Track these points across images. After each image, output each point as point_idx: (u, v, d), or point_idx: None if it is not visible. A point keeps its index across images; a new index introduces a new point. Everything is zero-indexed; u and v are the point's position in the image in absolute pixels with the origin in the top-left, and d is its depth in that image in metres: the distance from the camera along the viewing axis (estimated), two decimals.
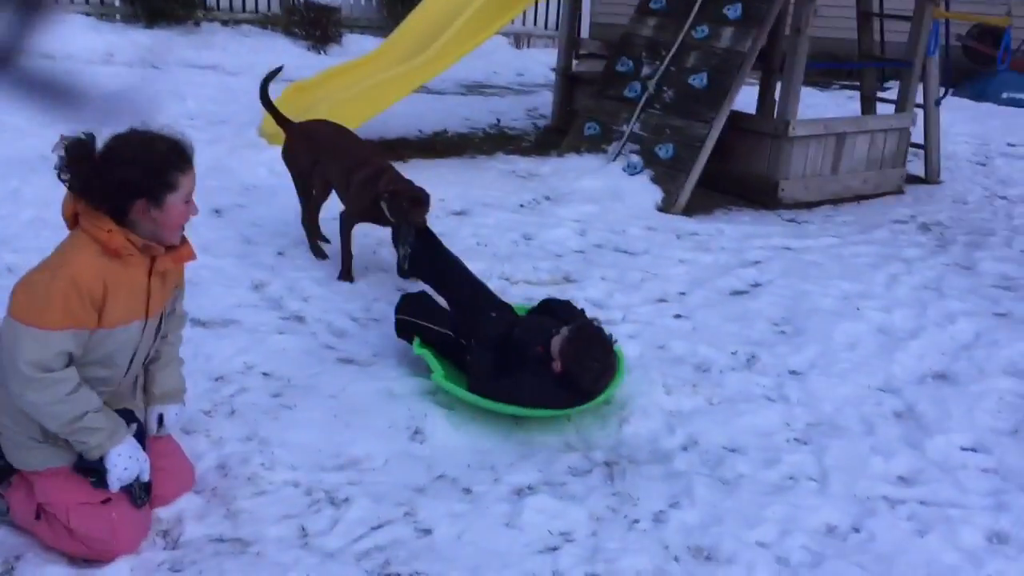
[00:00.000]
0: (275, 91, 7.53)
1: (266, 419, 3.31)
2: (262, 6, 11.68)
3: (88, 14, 10.43)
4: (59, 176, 2.46)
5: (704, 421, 3.55)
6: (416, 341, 3.71)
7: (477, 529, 2.83)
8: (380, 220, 4.50)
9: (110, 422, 2.53)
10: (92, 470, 2.53)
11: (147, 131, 2.50)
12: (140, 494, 2.62)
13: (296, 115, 6.33)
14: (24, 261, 4.35)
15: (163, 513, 2.76)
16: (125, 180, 2.43)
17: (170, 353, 2.90)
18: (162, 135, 2.52)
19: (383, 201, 4.38)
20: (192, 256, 2.73)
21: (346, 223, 4.61)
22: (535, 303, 4.07)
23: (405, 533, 2.79)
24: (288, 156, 4.91)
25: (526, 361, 3.53)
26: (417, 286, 4.28)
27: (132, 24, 10.44)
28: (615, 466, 3.23)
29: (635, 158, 6.56)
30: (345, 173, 4.62)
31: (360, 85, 6.78)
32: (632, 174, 6.47)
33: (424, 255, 4.33)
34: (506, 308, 3.97)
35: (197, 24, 10.81)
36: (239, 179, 5.92)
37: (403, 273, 4.49)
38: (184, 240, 2.69)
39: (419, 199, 4.34)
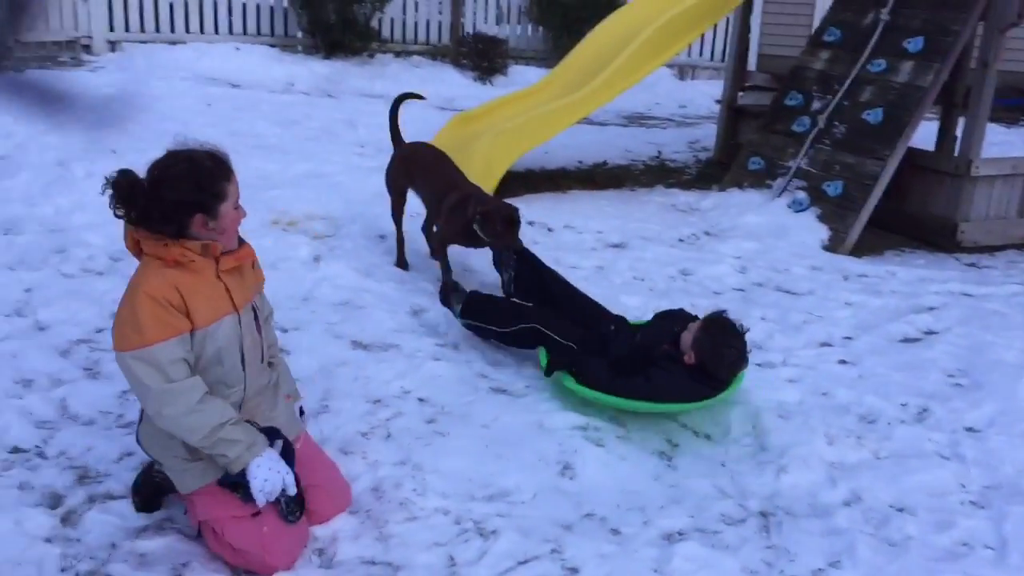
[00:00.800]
0: (441, 120, 7.78)
1: (420, 445, 3.36)
2: (433, 37, 12.08)
3: (273, 45, 11.06)
4: (115, 213, 2.55)
5: (869, 476, 3.36)
6: (542, 350, 3.88)
7: (625, 573, 2.77)
8: (475, 243, 4.56)
9: (248, 435, 2.60)
10: (237, 484, 2.61)
11: (185, 149, 2.60)
12: (290, 509, 2.68)
13: (460, 144, 6.49)
14: None
15: (319, 531, 2.84)
16: (180, 201, 2.53)
17: (283, 359, 3.05)
18: (200, 150, 2.61)
19: (476, 224, 4.40)
20: (252, 255, 2.83)
21: (438, 247, 4.77)
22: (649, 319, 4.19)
23: (552, 570, 2.76)
24: (387, 175, 5.14)
25: (654, 361, 3.64)
26: None
27: (312, 55, 10.99)
28: (771, 517, 3.10)
29: (801, 195, 6.35)
30: (437, 198, 4.74)
31: (523, 116, 6.87)
32: (797, 211, 6.26)
33: (530, 276, 4.37)
34: (622, 320, 4.10)
35: (371, 55, 11.27)
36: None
37: (511, 296, 4.47)
38: (242, 241, 2.79)
39: (512, 218, 4.35)
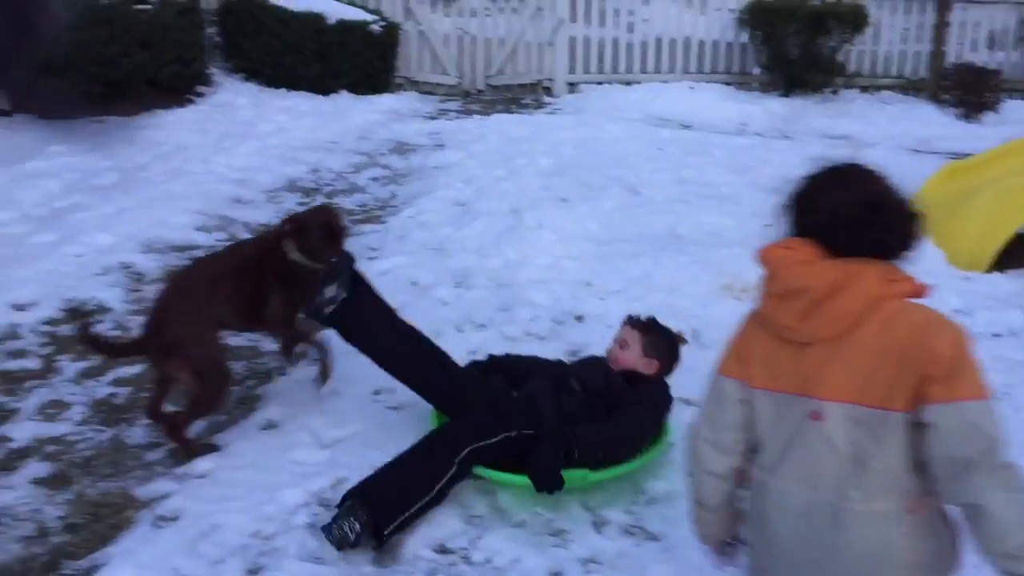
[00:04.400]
0: (915, 164, 6.65)
1: None
2: (908, 69, 10.76)
3: (728, 83, 10.55)
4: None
5: None
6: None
7: None
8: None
9: None
10: None
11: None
12: None
13: (951, 200, 5.43)
14: None
15: None
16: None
17: None
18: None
19: (285, 244, 3.43)
20: None
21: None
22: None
23: None
24: None
25: (616, 401, 3.25)
26: None
27: (768, 93, 10.29)
28: None
29: None
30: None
31: None
32: None
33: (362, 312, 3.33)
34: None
35: (835, 91, 10.29)
36: None
37: (323, 320, 3.30)
38: None
39: (331, 225, 3.42)
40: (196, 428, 3.49)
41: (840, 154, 2.20)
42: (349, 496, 2.89)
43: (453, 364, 3.38)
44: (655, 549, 2.95)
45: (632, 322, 3.53)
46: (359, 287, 3.32)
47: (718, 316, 4.51)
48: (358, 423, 3.54)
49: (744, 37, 10.54)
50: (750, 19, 10.26)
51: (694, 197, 6.49)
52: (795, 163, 7.47)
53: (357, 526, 2.79)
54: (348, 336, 3.34)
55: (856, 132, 9.12)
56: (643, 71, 10.75)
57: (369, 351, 3.34)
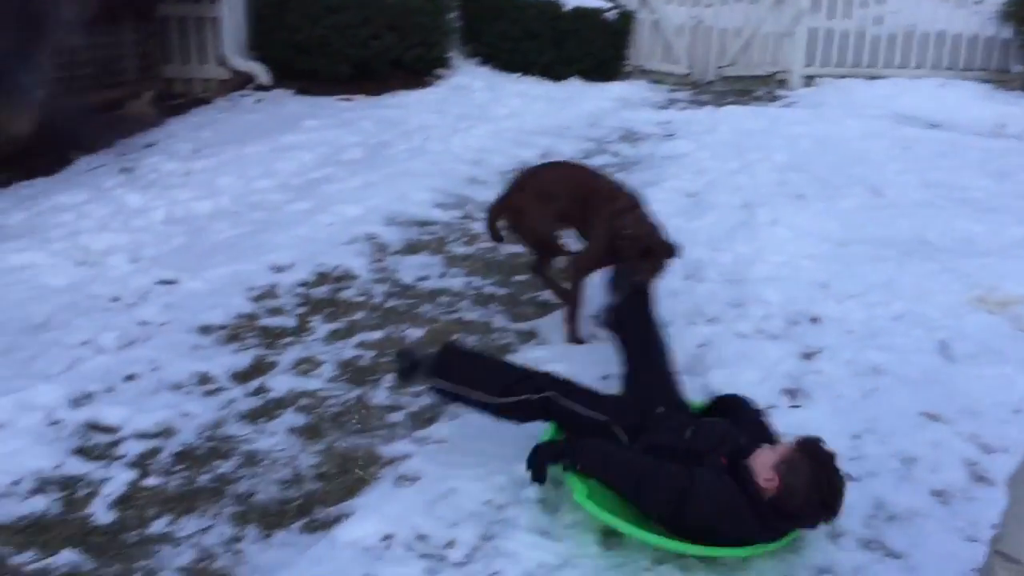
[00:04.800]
0: None
1: None
2: None
3: (984, 80, 9.80)
4: None
5: None
6: (550, 427, 3.13)
7: None
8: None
9: None
10: None
11: None
12: None
13: None
14: (889, 361, 3.98)
15: None
16: None
17: None
18: None
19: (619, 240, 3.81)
20: None
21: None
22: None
23: None
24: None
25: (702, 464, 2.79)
26: None
27: None
28: None
29: None
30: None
31: None
32: None
33: (632, 314, 3.60)
34: (684, 407, 3.21)
35: None
36: None
37: (602, 323, 3.77)
38: None
39: (652, 250, 3.74)
40: (422, 401, 3.64)
41: None
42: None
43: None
44: (897, 567, 2.80)
45: (805, 440, 2.81)
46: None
47: (970, 329, 4.22)
48: None
49: (1007, 32, 9.73)
50: (1016, 12, 9.46)
51: (944, 202, 6.08)
52: None
53: (415, 365, 3.21)
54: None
55: None
56: (887, 65, 10.19)
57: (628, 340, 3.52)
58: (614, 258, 3.86)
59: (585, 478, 2.83)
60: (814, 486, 2.66)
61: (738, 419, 3.08)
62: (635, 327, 3.56)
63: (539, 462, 2.91)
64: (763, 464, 2.73)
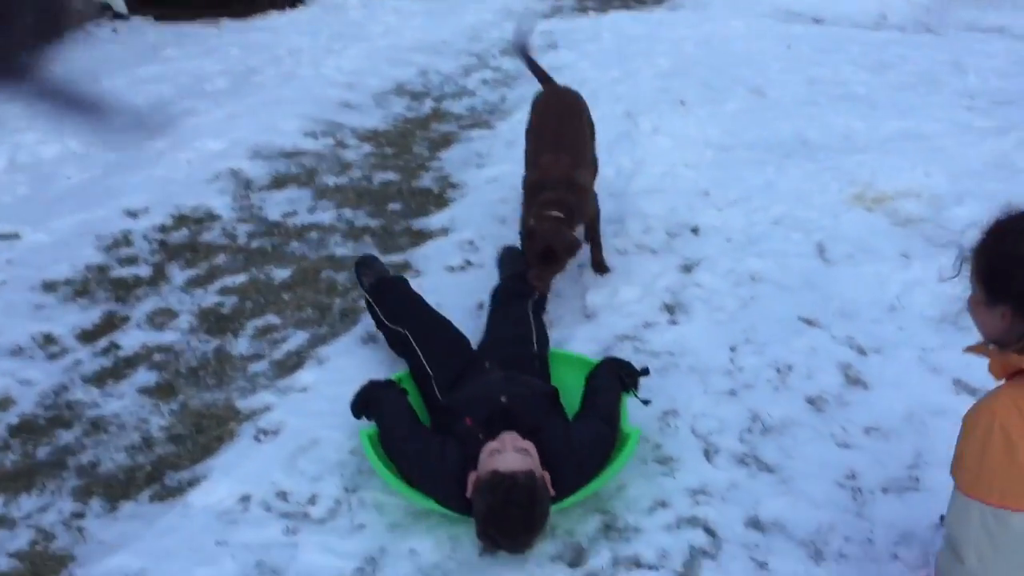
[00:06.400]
0: None
1: None
2: None
3: None
4: None
5: None
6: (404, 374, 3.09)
7: None
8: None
9: None
10: None
11: None
12: None
13: None
14: (767, 268, 3.93)
15: None
16: None
17: None
18: None
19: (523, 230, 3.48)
20: None
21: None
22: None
23: None
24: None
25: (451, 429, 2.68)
26: None
27: None
28: None
29: None
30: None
31: None
32: None
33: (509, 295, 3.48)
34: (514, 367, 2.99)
35: None
36: None
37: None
38: None
39: (550, 252, 3.32)
40: (296, 340, 3.46)
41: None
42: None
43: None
44: (770, 481, 2.76)
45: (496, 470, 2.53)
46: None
47: (847, 229, 4.19)
48: None
49: None
50: None
51: (825, 99, 6.01)
52: (939, 60, 6.85)
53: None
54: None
55: (1010, 24, 8.30)
56: None
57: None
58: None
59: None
60: (489, 518, 2.42)
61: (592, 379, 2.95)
62: (505, 305, 3.41)
63: (354, 401, 2.88)
64: (481, 464, 2.52)
